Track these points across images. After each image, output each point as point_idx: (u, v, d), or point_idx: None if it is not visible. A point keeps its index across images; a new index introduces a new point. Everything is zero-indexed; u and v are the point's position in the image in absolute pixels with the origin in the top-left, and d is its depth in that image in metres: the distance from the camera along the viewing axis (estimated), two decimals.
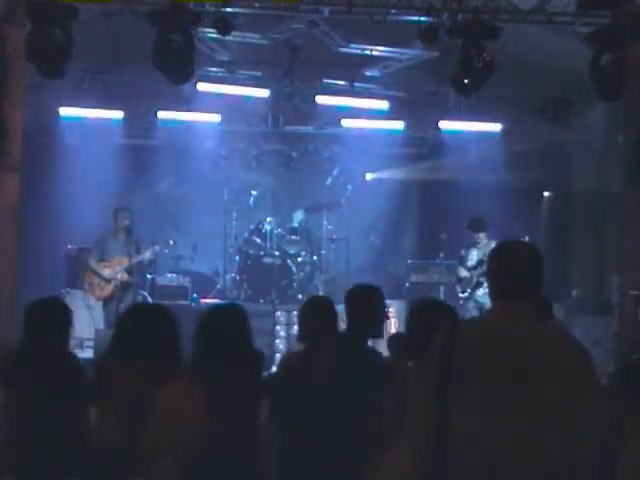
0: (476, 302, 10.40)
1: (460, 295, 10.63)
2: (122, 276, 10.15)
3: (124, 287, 10.13)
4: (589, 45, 8.73)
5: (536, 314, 3.10)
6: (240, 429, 3.81)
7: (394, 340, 7.08)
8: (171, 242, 10.55)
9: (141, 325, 4.33)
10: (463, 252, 10.72)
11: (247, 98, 12.02)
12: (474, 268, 10.47)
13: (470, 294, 10.52)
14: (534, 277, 3.12)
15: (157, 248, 10.37)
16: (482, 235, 10.58)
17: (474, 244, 10.61)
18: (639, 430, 3.54)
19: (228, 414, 3.77)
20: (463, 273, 10.68)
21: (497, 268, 3.18)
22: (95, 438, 4.29)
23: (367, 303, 4.58)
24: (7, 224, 8.58)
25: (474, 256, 10.54)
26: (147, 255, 10.34)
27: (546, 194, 12.22)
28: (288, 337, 10.32)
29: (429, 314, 4.06)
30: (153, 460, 3.76)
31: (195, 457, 3.71)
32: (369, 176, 12.96)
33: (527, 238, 9.98)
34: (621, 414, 3.51)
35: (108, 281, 10.14)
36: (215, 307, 4.38)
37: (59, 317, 4.68)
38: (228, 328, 4.00)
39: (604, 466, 3.16)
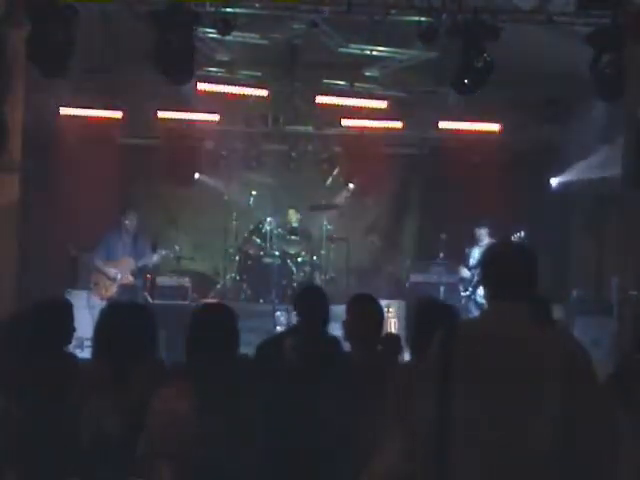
0: (476, 303, 10.42)
1: (462, 294, 10.66)
2: (126, 278, 10.17)
3: (127, 289, 10.15)
4: (589, 45, 8.73)
5: (533, 314, 3.11)
6: (236, 428, 3.81)
7: (388, 340, 7.09)
8: (177, 248, 10.54)
9: (116, 326, 4.35)
10: (467, 251, 10.77)
11: (247, 98, 12.02)
12: (475, 267, 10.49)
13: (471, 293, 10.54)
14: (527, 277, 3.12)
15: (163, 253, 10.38)
16: (484, 233, 10.59)
17: (477, 243, 10.65)
18: (637, 430, 3.54)
19: (222, 413, 3.76)
20: (465, 272, 10.72)
21: (490, 269, 3.19)
22: (94, 437, 4.30)
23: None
24: (7, 224, 8.60)
25: (476, 255, 10.56)
26: (154, 259, 10.37)
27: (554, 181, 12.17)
28: None
29: (433, 314, 4.08)
30: (151, 461, 3.76)
31: (192, 457, 3.72)
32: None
33: (522, 233, 9.98)
34: (618, 414, 3.51)
35: (113, 280, 10.18)
36: (203, 306, 4.39)
37: (61, 318, 4.69)
38: (217, 327, 4.00)
39: (605, 467, 3.17)
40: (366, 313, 4.89)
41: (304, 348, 4.80)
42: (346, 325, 4.95)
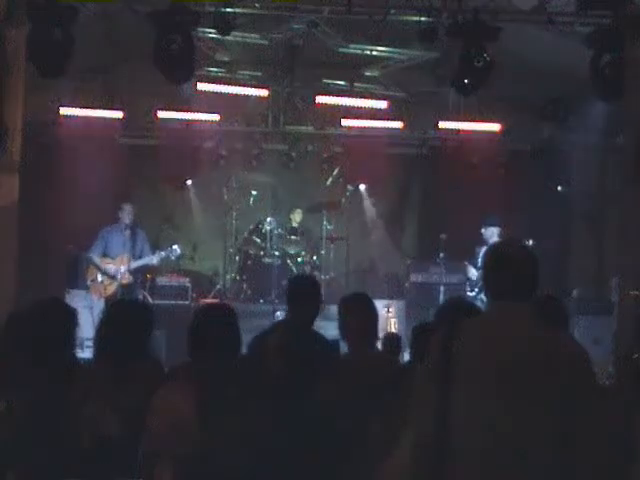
0: (482, 302, 10.40)
1: (468, 294, 10.63)
2: (125, 277, 10.15)
3: (126, 288, 10.14)
4: (589, 45, 8.73)
5: (538, 315, 3.11)
6: (237, 428, 3.81)
7: (388, 339, 7.10)
8: (177, 249, 10.50)
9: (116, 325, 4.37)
10: (477, 250, 10.73)
11: (247, 98, 12.02)
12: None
13: (477, 294, 10.52)
14: (528, 278, 3.12)
15: (163, 254, 10.37)
16: (494, 231, 10.56)
17: (485, 242, 10.61)
18: None
19: (223, 414, 3.76)
20: (472, 272, 10.69)
21: (492, 269, 3.19)
22: (94, 437, 4.30)
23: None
24: (7, 224, 8.58)
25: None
26: (153, 260, 10.35)
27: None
28: None
29: (457, 313, 4.05)
30: (152, 461, 3.76)
31: (192, 457, 3.71)
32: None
33: (531, 242, 9.95)
34: (634, 413, 3.51)
35: (112, 277, 10.15)
36: (206, 307, 4.39)
37: (62, 318, 4.69)
38: (219, 328, 4.00)
39: (612, 466, 3.17)
40: (358, 312, 4.89)
41: (289, 348, 4.73)
42: (340, 325, 4.95)
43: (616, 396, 3.63)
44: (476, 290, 10.57)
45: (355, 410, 4.49)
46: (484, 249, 10.59)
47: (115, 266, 10.20)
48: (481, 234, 10.80)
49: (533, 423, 2.90)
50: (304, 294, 5.11)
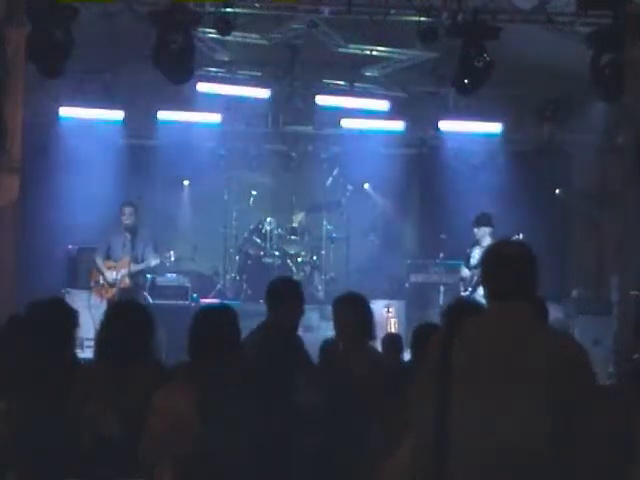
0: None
1: (462, 294, 10.64)
2: (124, 282, 10.15)
3: (126, 292, 10.13)
4: (589, 45, 8.74)
5: (533, 314, 3.11)
6: (237, 429, 3.81)
7: (389, 339, 7.09)
8: (172, 256, 10.48)
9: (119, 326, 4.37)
10: (468, 250, 10.73)
11: (247, 98, 12.02)
12: (475, 267, 10.45)
13: (471, 293, 10.52)
14: (527, 277, 3.12)
15: (158, 261, 10.35)
16: (486, 231, 10.56)
17: (478, 242, 10.61)
18: None
19: (223, 414, 3.77)
20: (465, 272, 10.69)
21: (490, 269, 3.19)
22: (94, 437, 4.30)
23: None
24: (7, 224, 8.60)
25: (476, 254, 10.51)
26: (151, 264, 10.34)
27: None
28: None
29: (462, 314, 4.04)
30: (152, 461, 3.76)
31: (192, 457, 3.72)
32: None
33: (521, 236, 9.95)
34: (634, 413, 3.51)
35: (111, 285, 10.18)
36: (206, 307, 4.39)
37: (62, 318, 4.69)
38: (219, 328, 4.00)
39: (613, 466, 3.18)
40: (352, 312, 4.90)
41: (267, 349, 4.72)
42: (334, 325, 4.97)
43: (616, 396, 3.63)
44: (469, 289, 10.57)
45: (348, 409, 4.50)
46: (476, 249, 10.59)
47: (115, 271, 10.19)
48: (474, 234, 10.80)
49: (533, 423, 2.90)
50: (282, 295, 5.08)
